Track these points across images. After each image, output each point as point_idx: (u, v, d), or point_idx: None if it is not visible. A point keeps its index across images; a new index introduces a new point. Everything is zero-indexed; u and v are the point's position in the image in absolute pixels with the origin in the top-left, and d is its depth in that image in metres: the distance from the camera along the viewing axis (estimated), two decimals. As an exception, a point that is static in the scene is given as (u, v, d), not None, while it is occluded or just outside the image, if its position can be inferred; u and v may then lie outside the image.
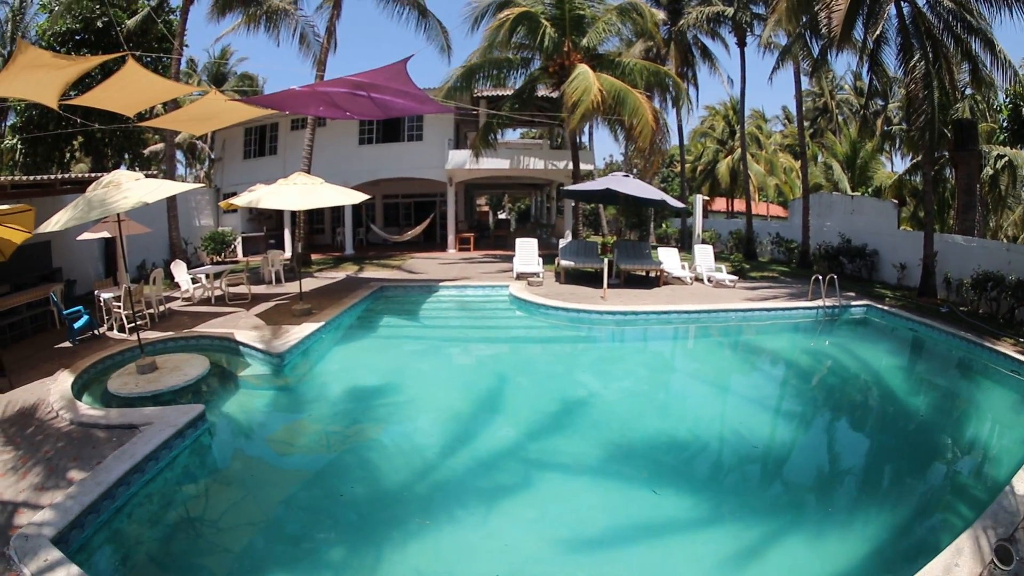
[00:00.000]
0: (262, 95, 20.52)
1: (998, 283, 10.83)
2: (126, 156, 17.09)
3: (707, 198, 24.26)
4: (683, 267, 15.30)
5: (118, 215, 6.66)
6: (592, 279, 14.29)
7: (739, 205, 31.83)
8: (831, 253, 16.73)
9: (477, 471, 5.38)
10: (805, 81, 23.22)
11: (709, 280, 14.67)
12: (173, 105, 13.30)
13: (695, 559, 4.34)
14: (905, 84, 13.09)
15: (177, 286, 10.80)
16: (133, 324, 8.17)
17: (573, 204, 20.53)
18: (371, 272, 15.27)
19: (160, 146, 24.08)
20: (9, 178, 8.72)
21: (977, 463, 6.27)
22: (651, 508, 5.00)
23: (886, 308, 12.02)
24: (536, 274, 14.08)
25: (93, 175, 9.08)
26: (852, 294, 13.25)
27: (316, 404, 6.77)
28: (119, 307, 8.48)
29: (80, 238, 9.46)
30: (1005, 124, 14.95)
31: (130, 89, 7.31)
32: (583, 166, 19.77)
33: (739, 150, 31.62)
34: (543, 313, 11.09)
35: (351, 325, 10.14)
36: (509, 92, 19.07)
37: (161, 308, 9.27)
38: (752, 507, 5.09)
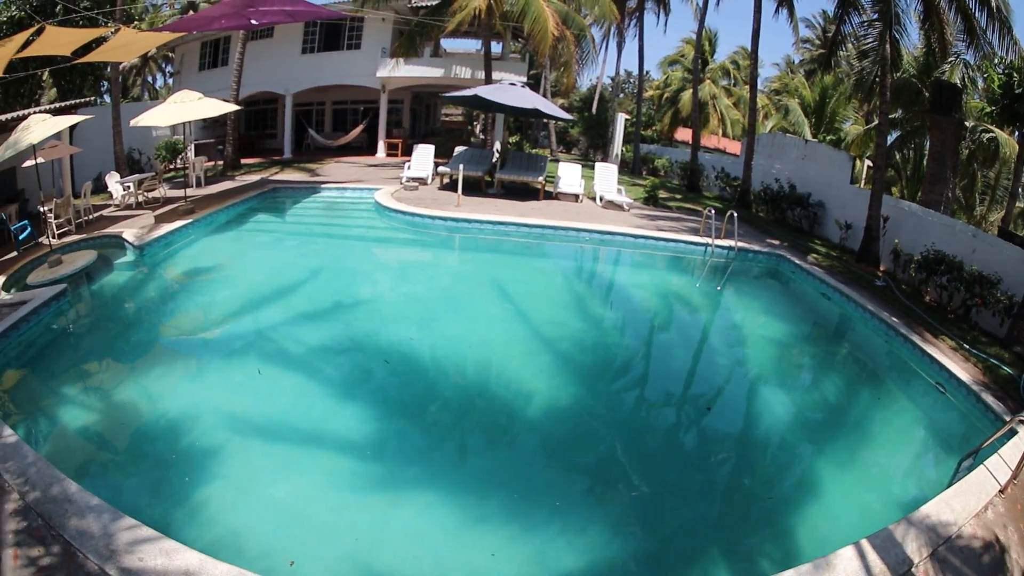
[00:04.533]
0: (166, 23, 21.84)
1: (953, 269, 8.94)
2: (90, 78, 19.33)
3: (626, 115, 24.43)
4: (580, 185, 15.52)
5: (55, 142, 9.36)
6: (477, 187, 14.85)
7: (711, 140, 30.82)
8: (770, 197, 15.67)
9: (219, 343, 6.79)
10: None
11: (601, 199, 14.89)
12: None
13: (354, 475, 4.50)
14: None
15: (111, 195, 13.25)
16: (62, 231, 10.46)
17: (511, 118, 21.55)
18: (288, 175, 16.68)
19: (134, 60, 28.57)
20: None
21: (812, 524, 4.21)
22: (341, 416, 5.25)
23: (803, 264, 10.15)
24: (419, 179, 15.21)
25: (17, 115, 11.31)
26: (777, 242, 11.90)
27: (154, 282, 9.00)
28: (52, 219, 11.11)
29: (24, 165, 11.87)
30: (997, 98, 12.77)
31: (57, 40, 9.22)
32: (512, 76, 20.82)
33: (708, 82, 30.82)
34: (387, 216, 12.45)
35: (226, 222, 11.97)
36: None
37: (89, 216, 11.62)
38: (441, 450, 5.00)
